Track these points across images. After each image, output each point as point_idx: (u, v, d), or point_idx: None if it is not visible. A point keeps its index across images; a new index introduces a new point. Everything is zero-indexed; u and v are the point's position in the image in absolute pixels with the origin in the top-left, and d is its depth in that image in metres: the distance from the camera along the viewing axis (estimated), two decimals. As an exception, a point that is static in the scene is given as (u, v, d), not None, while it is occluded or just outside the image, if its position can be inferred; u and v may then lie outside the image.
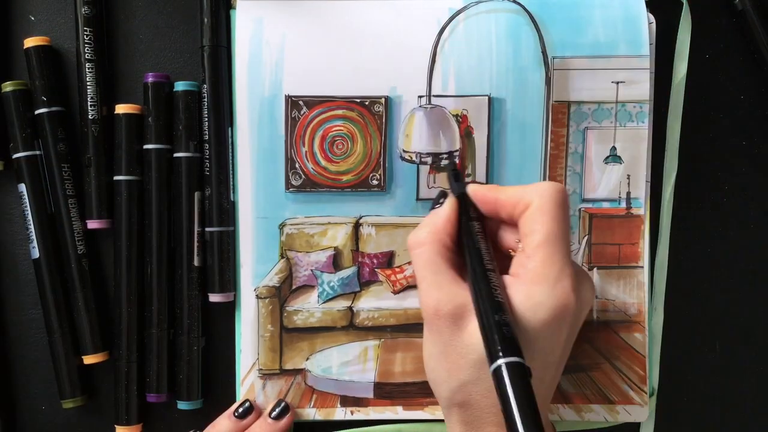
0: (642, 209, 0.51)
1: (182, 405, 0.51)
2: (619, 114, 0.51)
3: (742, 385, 0.54)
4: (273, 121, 0.50)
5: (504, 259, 0.43)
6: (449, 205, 0.44)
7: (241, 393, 0.50)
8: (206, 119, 0.50)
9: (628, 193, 0.51)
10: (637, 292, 0.51)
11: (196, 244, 0.50)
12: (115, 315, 0.51)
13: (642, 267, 0.51)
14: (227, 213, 0.51)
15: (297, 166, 0.51)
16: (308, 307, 0.51)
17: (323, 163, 0.51)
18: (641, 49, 0.50)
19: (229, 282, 0.51)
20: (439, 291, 0.41)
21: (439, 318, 0.41)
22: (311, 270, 0.51)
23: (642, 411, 0.51)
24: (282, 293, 0.51)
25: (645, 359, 0.51)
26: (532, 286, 0.40)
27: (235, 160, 0.51)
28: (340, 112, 0.51)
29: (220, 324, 0.52)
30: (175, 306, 0.51)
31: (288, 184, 0.51)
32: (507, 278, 0.41)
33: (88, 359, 0.51)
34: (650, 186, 0.52)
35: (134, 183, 0.50)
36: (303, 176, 0.51)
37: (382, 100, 0.51)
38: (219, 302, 0.51)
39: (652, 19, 0.51)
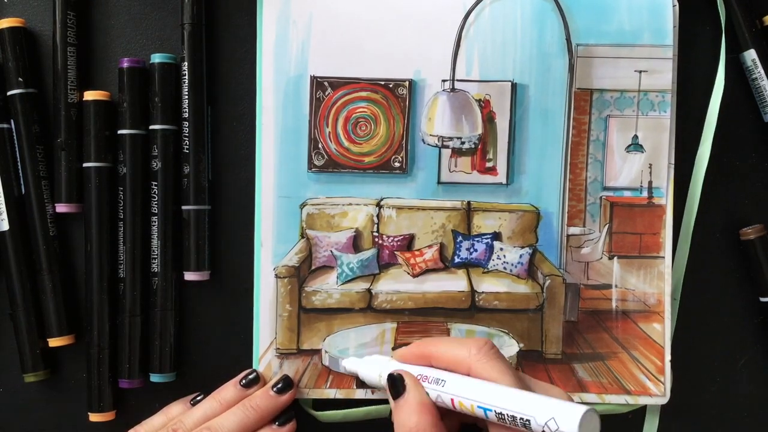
0: (664, 199, 0.51)
1: (155, 378, 0.51)
2: (641, 103, 0.51)
3: (762, 376, 0.53)
4: (298, 100, 0.51)
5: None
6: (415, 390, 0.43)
7: (259, 371, 0.50)
8: (186, 97, 0.50)
9: (650, 182, 0.51)
10: (657, 282, 0.51)
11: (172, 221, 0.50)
12: (86, 301, 0.50)
13: (663, 257, 0.51)
14: (204, 191, 0.51)
15: (320, 146, 0.51)
16: (327, 288, 0.51)
17: (346, 144, 0.51)
18: (665, 39, 0.51)
19: (205, 260, 0.51)
20: None
21: None
22: (331, 251, 0.51)
23: (658, 401, 0.51)
24: (301, 273, 0.51)
25: (663, 349, 0.51)
26: None
27: (258, 138, 0.51)
28: (364, 93, 0.51)
29: (193, 301, 0.52)
30: (150, 284, 0.51)
31: (310, 164, 0.51)
32: None
33: (54, 342, 0.50)
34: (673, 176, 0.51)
35: (104, 170, 0.50)
36: (325, 156, 0.51)
37: (406, 83, 0.51)
38: (194, 281, 0.51)
39: (676, 2, 0.51)
